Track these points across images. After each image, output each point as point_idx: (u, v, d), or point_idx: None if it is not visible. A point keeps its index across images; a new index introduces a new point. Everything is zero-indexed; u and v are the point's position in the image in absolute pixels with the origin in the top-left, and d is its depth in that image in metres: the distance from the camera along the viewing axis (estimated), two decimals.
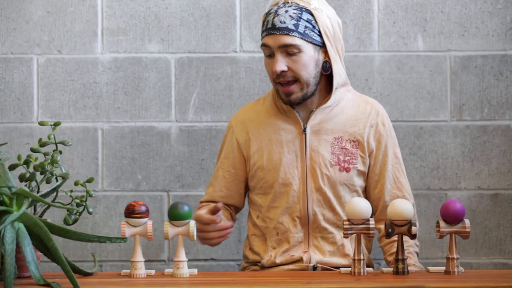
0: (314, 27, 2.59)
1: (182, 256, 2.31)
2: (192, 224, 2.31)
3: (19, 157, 2.37)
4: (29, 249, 2.15)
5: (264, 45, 2.61)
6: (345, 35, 3.24)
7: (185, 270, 2.31)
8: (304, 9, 2.59)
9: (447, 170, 3.25)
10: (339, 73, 2.66)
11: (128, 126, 3.27)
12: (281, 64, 2.57)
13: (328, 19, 2.62)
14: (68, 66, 3.26)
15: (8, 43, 3.26)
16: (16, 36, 3.25)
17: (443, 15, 3.25)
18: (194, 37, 3.26)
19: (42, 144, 2.40)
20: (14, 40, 3.26)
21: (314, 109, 2.66)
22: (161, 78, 3.26)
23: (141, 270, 2.31)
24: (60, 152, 2.39)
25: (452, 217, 2.30)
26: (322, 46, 2.62)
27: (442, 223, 2.31)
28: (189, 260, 2.80)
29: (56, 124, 2.40)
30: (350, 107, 2.70)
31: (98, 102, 3.26)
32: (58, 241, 3.05)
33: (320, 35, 2.61)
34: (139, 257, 2.32)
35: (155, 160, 3.26)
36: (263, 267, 2.68)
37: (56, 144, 2.41)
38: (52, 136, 2.40)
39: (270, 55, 2.61)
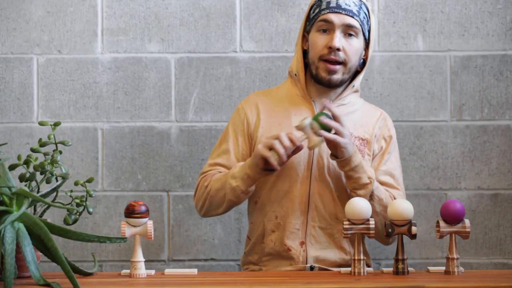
0: (368, 21, 2.69)
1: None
2: None
3: (19, 157, 2.37)
4: (29, 249, 2.15)
5: (325, 20, 2.64)
6: None
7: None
8: (362, 3, 2.68)
9: (447, 170, 3.25)
10: (363, 75, 2.74)
11: (128, 126, 3.27)
12: (341, 41, 2.63)
13: (374, 22, 2.74)
14: (68, 66, 3.26)
15: (8, 43, 3.26)
16: (16, 36, 3.25)
17: (443, 15, 3.25)
18: (194, 37, 3.26)
19: (42, 144, 2.40)
20: (14, 40, 3.26)
21: (331, 102, 2.68)
22: (161, 78, 3.26)
23: (141, 270, 2.32)
24: (60, 152, 2.39)
25: (452, 217, 2.30)
26: (366, 42, 2.70)
27: (442, 223, 2.31)
28: (189, 260, 2.81)
29: (56, 124, 2.40)
30: (361, 111, 2.75)
31: (98, 102, 3.26)
32: (58, 241, 3.05)
33: (369, 33, 2.69)
34: (139, 257, 2.32)
35: (155, 160, 3.26)
36: (262, 254, 2.68)
37: (56, 144, 2.41)
38: (52, 136, 2.40)
39: (325, 30, 2.65)
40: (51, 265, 2.74)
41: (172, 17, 3.26)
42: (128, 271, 2.36)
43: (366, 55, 2.72)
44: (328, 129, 2.50)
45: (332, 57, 2.62)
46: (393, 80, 3.26)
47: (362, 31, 2.66)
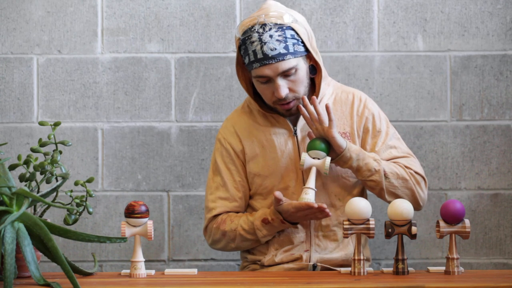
0: (298, 40, 2.59)
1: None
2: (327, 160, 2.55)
3: (19, 157, 2.37)
4: (29, 249, 2.15)
5: (261, 76, 2.59)
6: (345, 35, 3.24)
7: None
8: (284, 27, 2.58)
9: (447, 170, 3.25)
10: (324, 74, 2.68)
11: (128, 126, 3.27)
12: (284, 89, 2.58)
13: (302, 26, 2.62)
14: (68, 66, 3.26)
15: (8, 43, 3.26)
16: (16, 36, 3.25)
17: (443, 15, 3.25)
18: (194, 37, 3.26)
19: (42, 144, 2.40)
20: (14, 40, 3.26)
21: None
22: (161, 78, 3.26)
23: (141, 270, 2.32)
24: (60, 152, 2.39)
25: (452, 217, 2.30)
26: (306, 53, 2.63)
27: (442, 223, 2.31)
28: (189, 260, 2.81)
29: (56, 124, 2.40)
30: (332, 102, 2.71)
31: (98, 102, 3.26)
32: (58, 241, 3.05)
33: (304, 45, 2.61)
34: (139, 257, 2.32)
35: (155, 160, 3.26)
36: (262, 265, 2.68)
37: (56, 144, 2.41)
38: (52, 136, 2.40)
39: (266, 82, 2.60)
40: (51, 265, 2.74)
41: (172, 17, 3.26)
42: (128, 271, 2.36)
43: (312, 60, 2.65)
44: (325, 149, 2.56)
45: (284, 101, 2.60)
46: (393, 80, 3.26)
47: (299, 57, 2.59)
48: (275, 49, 2.56)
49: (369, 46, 3.25)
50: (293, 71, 2.58)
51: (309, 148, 2.57)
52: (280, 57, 2.56)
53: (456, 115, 3.25)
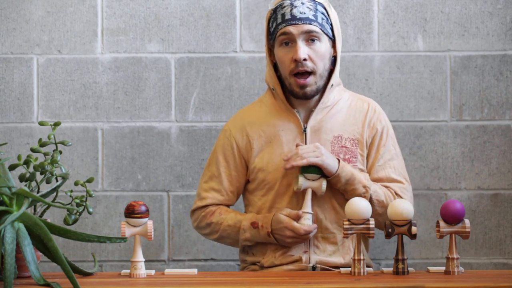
0: (327, 20, 2.66)
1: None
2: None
3: (19, 157, 2.37)
4: (29, 249, 2.15)
5: (284, 34, 2.62)
6: (345, 35, 3.24)
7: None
8: (317, 2, 2.65)
9: (447, 170, 3.25)
10: (338, 71, 2.70)
11: (128, 126, 3.27)
12: (304, 51, 2.60)
13: (335, 15, 2.69)
14: (68, 66, 3.26)
15: (8, 43, 3.26)
16: (16, 36, 3.25)
17: (443, 15, 3.25)
18: (194, 37, 3.26)
19: (42, 144, 2.40)
20: (14, 40, 3.26)
21: (314, 109, 2.67)
22: (161, 78, 3.26)
23: (141, 270, 2.32)
24: (60, 152, 2.39)
25: (452, 217, 2.30)
26: (332, 40, 2.67)
27: (442, 223, 2.31)
28: (189, 260, 2.81)
29: (56, 124, 2.40)
30: (347, 106, 2.72)
31: (98, 102, 3.26)
32: (58, 241, 3.05)
33: (332, 29, 2.66)
34: (139, 257, 2.32)
35: (155, 160, 3.26)
36: (262, 267, 2.68)
37: (56, 144, 2.41)
38: (52, 136, 2.40)
39: (287, 42, 2.63)
40: (51, 265, 2.74)
41: (172, 17, 3.26)
42: (128, 271, 2.36)
43: (335, 52, 2.69)
44: (317, 172, 2.58)
45: (301, 68, 2.61)
46: (393, 80, 3.26)
47: (324, 32, 2.63)
48: (304, 13, 2.61)
49: (369, 46, 3.25)
50: (316, 37, 2.61)
51: (304, 171, 2.58)
52: (307, 20, 2.61)
53: (456, 115, 3.25)
